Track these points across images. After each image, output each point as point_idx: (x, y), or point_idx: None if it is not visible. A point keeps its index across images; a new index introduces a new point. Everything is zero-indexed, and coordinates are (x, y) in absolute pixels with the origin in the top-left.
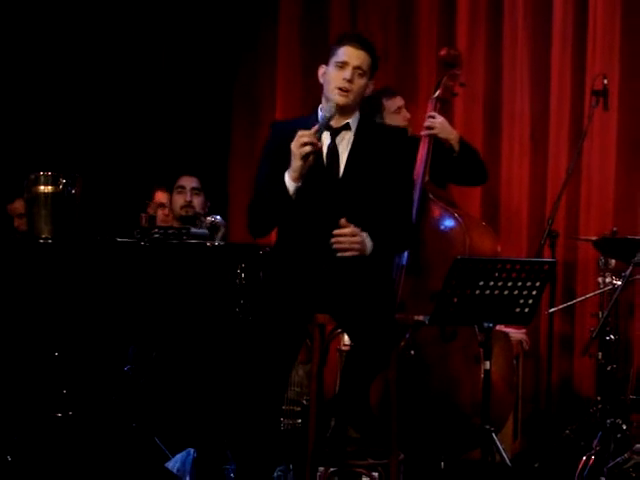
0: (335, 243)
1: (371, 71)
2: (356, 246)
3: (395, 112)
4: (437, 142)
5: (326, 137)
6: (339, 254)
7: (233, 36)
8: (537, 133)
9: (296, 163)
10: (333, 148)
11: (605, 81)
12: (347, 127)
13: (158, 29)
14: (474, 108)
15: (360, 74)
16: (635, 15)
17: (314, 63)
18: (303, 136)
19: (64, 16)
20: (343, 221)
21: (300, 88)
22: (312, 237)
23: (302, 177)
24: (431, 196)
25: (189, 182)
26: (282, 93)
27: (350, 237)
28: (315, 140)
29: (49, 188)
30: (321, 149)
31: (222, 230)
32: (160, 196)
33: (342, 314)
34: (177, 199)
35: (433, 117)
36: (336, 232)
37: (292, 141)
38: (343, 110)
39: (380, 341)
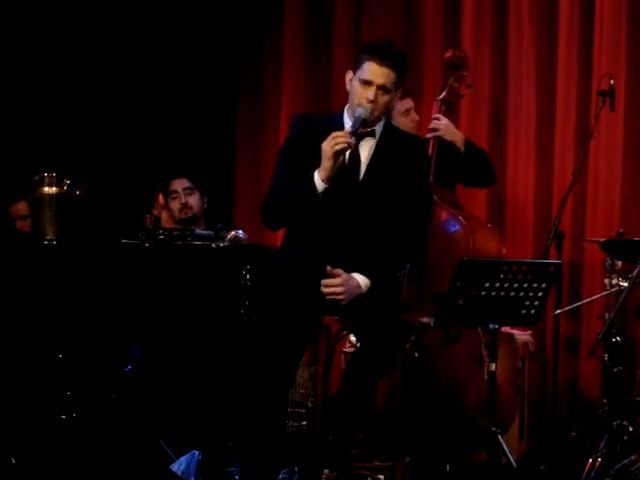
0: (324, 293)
1: (397, 85)
2: (341, 297)
3: (403, 114)
4: (443, 144)
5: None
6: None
7: (238, 36)
8: (543, 134)
9: (327, 162)
10: (355, 153)
11: (611, 81)
12: (372, 134)
13: (163, 30)
14: (480, 109)
15: (384, 92)
16: None
17: (319, 63)
18: (337, 136)
19: (69, 15)
20: (329, 269)
21: (305, 87)
22: (324, 239)
23: (331, 178)
24: (435, 198)
25: (180, 184)
26: (287, 92)
27: (336, 288)
28: (349, 139)
29: (53, 189)
30: (344, 153)
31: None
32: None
33: (349, 316)
34: (174, 205)
35: (438, 119)
36: (324, 282)
37: (316, 136)
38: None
39: (388, 342)
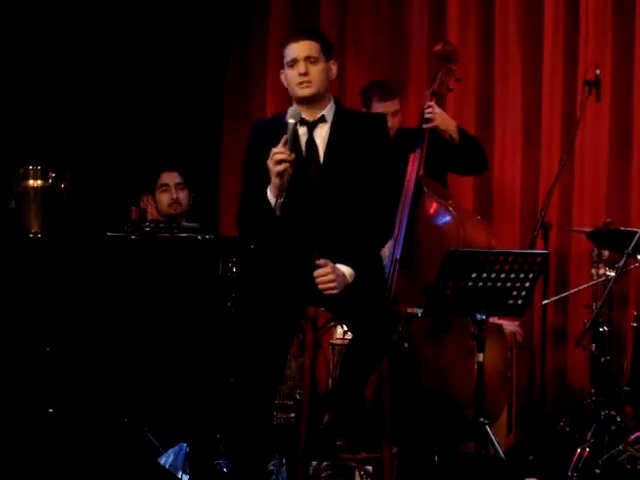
0: (319, 284)
1: (324, 54)
2: (332, 285)
3: (392, 115)
4: (434, 135)
5: (304, 132)
6: (326, 293)
7: (223, 32)
8: (529, 124)
9: (275, 180)
10: (311, 142)
11: (597, 71)
12: (323, 119)
13: (148, 24)
14: (466, 100)
15: (312, 62)
16: (627, 5)
17: None
18: (276, 153)
19: (51, 10)
20: (322, 261)
21: None
22: (299, 231)
23: (284, 191)
24: (425, 189)
25: (172, 178)
26: (273, 88)
27: (328, 276)
28: (288, 156)
29: (38, 182)
30: (300, 146)
31: None
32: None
33: (338, 306)
34: (163, 198)
35: (431, 107)
36: (316, 273)
37: (270, 139)
38: (313, 101)
39: (380, 329)
